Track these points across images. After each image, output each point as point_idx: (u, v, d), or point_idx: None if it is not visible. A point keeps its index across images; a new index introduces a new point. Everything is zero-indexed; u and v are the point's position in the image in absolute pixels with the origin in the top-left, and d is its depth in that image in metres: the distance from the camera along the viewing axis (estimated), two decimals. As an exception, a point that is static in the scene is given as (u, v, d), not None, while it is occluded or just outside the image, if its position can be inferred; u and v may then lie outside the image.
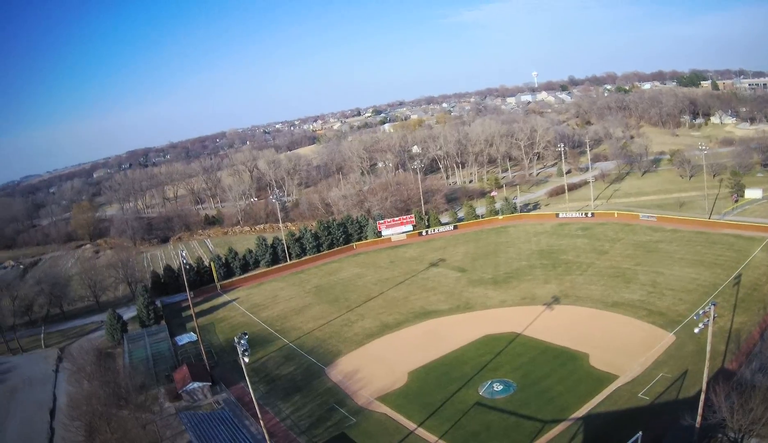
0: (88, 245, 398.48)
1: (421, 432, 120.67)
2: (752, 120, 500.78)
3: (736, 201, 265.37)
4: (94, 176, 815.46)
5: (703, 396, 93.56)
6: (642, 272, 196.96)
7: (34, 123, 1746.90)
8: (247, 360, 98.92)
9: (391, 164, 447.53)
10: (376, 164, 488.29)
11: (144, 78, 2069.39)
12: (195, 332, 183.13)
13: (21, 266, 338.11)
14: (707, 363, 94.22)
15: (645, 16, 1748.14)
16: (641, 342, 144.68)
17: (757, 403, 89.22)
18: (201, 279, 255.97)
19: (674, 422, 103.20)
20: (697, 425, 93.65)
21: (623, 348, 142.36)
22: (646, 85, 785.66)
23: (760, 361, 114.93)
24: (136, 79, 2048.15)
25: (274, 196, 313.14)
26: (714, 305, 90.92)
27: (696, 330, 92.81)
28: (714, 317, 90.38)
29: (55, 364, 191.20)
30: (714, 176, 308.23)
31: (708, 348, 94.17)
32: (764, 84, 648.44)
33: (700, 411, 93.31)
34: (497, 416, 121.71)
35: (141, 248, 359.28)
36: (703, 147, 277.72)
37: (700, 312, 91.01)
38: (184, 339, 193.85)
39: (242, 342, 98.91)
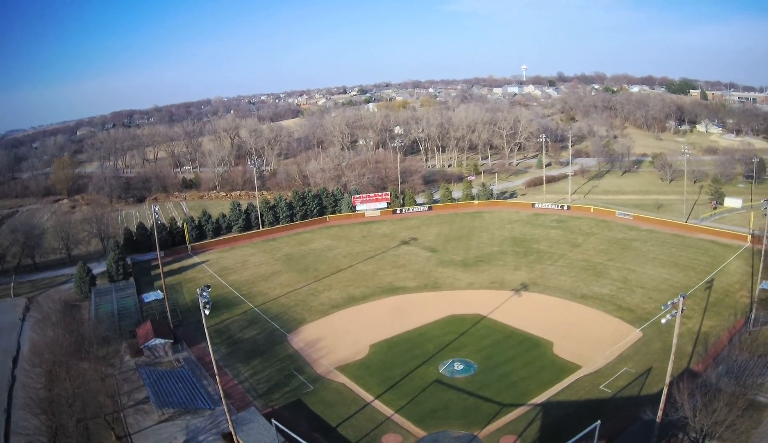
0: (65, 200, 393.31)
1: (378, 404, 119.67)
2: (738, 132, 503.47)
3: (715, 208, 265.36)
4: (78, 133, 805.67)
5: (665, 391, 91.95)
6: (614, 267, 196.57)
7: (21, 80, 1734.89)
8: (207, 312, 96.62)
9: (371, 142, 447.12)
10: (357, 141, 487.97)
11: (133, 41, 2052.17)
12: (162, 290, 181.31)
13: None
14: (672, 356, 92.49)
15: (642, 21, 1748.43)
16: (607, 336, 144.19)
17: (721, 405, 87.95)
18: (173, 240, 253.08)
19: (635, 417, 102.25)
20: (658, 420, 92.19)
21: (588, 340, 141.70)
22: (635, 88, 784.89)
23: (726, 365, 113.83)
24: (125, 41, 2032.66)
25: (253, 162, 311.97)
26: (684, 297, 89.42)
27: (663, 321, 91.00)
28: (683, 310, 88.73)
29: (22, 313, 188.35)
30: (695, 182, 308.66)
31: (674, 341, 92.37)
32: (754, 99, 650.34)
33: (661, 405, 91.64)
34: (456, 395, 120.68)
35: (117, 206, 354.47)
36: (686, 151, 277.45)
37: (669, 304, 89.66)
38: (150, 296, 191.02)
39: (204, 294, 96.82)
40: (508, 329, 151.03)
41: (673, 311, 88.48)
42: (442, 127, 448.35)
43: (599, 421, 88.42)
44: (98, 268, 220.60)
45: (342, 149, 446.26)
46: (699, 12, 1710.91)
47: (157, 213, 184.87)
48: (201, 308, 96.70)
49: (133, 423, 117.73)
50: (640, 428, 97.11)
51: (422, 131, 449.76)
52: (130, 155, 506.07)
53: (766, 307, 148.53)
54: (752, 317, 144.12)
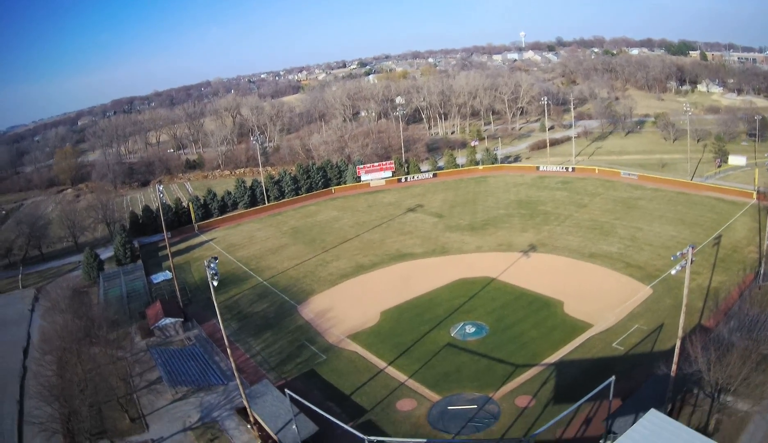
0: (69, 190, 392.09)
1: (391, 370, 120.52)
2: (739, 91, 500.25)
3: (719, 166, 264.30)
4: (79, 123, 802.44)
5: (678, 343, 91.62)
6: (621, 226, 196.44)
7: (20, 75, 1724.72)
8: (216, 283, 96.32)
9: (373, 113, 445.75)
10: (358, 113, 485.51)
11: (130, 29, 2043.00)
12: (170, 270, 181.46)
13: (2, 212, 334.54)
14: (683, 308, 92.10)
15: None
16: (617, 293, 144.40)
17: (734, 359, 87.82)
18: (179, 220, 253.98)
19: (649, 373, 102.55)
20: (672, 374, 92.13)
21: (599, 298, 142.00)
22: (634, 51, 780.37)
23: (738, 320, 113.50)
24: (122, 30, 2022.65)
25: (256, 138, 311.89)
26: (692, 247, 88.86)
27: (673, 272, 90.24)
28: (692, 261, 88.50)
29: (31, 304, 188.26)
30: (698, 140, 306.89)
31: (685, 292, 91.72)
32: (753, 59, 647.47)
33: (675, 359, 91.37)
34: (468, 358, 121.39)
35: (121, 191, 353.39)
36: (688, 109, 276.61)
37: (678, 254, 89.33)
38: (159, 277, 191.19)
39: (212, 266, 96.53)
40: (518, 291, 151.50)
41: (683, 262, 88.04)
42: (443, 94, 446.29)
43: (614, 377, 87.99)
44: (106, 253, 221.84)
45: (344, 121, 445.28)
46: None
47: (161, 193, 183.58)
48: (209, 280, 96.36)
49: (146, 403, 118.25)
50: (655, 383, 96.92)
51: (423, 99, 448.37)
52: (132, 140, 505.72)
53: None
54: (761, 272, 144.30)
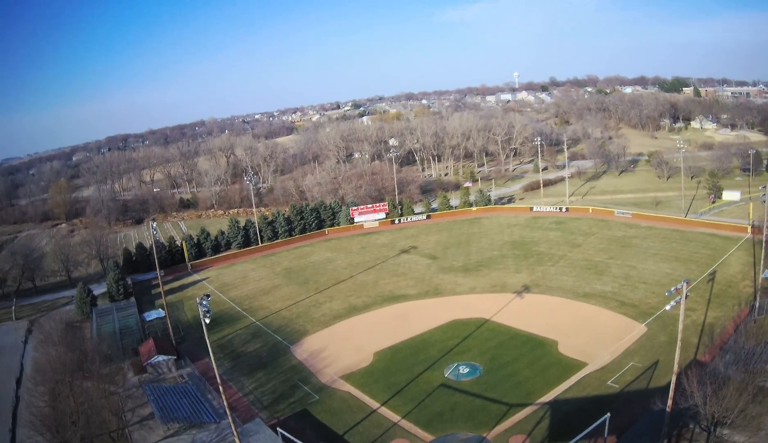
0: (63, 224, 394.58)
1: (385, 411, 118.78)
2: (733, 126, 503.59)
3: (714, 202, 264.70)
4: (74, 159, 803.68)
5: (674, 379, 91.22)
6: (615, 265, 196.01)
7: (15, 107, 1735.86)
8: (208, 321, 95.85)
9: (367, 155, 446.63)
10: (352, 154, 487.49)
11: (126, 67, 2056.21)
12: (163, 308, 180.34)
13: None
14: (678, 343, 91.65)
15: (631, 20, 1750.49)
16: (612, 332, 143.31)
17: (731, 392, 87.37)
18: (172, 258, 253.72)
19: (644, 409, 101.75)
20: (668, 409, 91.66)
21: (593, 337, 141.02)
22: (628, 89, 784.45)
23: (734, 354, 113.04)
24: (118, 68, 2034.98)
25: (249, 178, 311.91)
26: (687, 282, 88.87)
27: (668, 307, 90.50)
28: (687, 296, 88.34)
29: (24, 335, 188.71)
30: (692, 177, 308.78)
31: (680, 326, 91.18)
32: (747, 93, 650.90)
33: (671, 394, 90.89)
34: (462, 398, 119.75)
35: (115, 228, 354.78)
36: (682, 146, 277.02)
37: (672, 289, 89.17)
38: (152, 314, 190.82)
39: (204, 303, 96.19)
40: (512, 331, 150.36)
41: (677, 298, 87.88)
42: (436, 136, 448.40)
43: (608, 414, 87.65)
44: (99, 289, 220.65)
45: (338, 162, 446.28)
46: (687, 9, 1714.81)
47: (155, 230, 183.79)
48: (201, 317, 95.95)
49: (138, 439, 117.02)
50: (651, 419, 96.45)
51: (417, 141, 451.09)
52: (126, 177, 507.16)
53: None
54: (757, 305, 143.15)
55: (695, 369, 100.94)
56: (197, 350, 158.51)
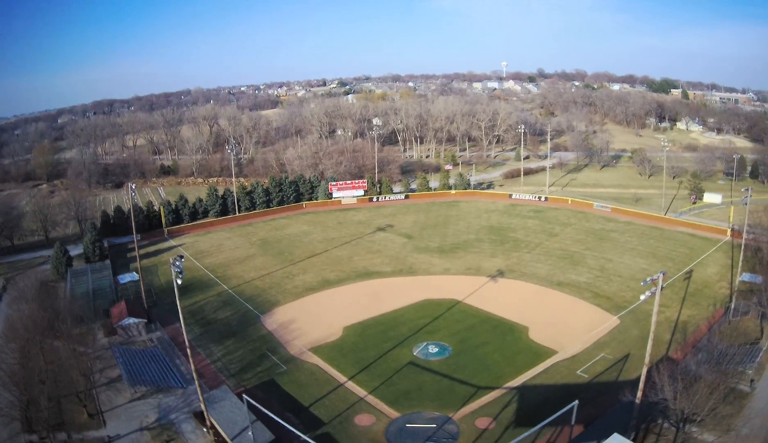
0: (44, 185, 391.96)
1: (351, 385, 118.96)
2: (719, 131, 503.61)
3: (695, 202, 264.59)
4: (59, 121, 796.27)
5: (645, 370, 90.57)
6: (591, 257, 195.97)
7: (2, 70, 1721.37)
8: (180, 282, 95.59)
9: (350, 132, 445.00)
10: (335, 131, 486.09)
11: (115, 32, 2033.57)
12: (138, 272, 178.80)
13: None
14: (651, 334, 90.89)
15: (624, 23, 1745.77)
16: (584, 322, 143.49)
17: (701, 389, 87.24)
18: (150, 223, 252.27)
19: (613, 401, 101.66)
20: (637, 401, 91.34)
21: (565, 326, 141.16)
22: (615, 86, 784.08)
23: (706, 353, 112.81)
24: (107, 32, 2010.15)
25: (231, 148, 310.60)
26: (663, 273, 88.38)
27: (642, 297, 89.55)
28: (662, 288, 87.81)
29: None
30: (674, 177, 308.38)
31: (654, 319, 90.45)
32: (736, 99, 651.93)
33: (641, 386, 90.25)
34: (430, 377, 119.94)
35: (95, 191, 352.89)
36: (666, 145, 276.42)
37: (648, 279, 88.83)
38: (126, 277, 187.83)
39: (177, 264, 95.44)
40: (483, 314, 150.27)
41: (653, 289, 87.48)
42: (420, 118, 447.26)
43: (576, 401, 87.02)
44: (75, 251, 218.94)
45: (320, 137, 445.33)
46: (681, 18, 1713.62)
47: (134, 192, 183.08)
48: (174, 278, 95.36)
49: (105, 400, 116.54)
50: (619, 411, 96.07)
51: (401, 121, 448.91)
52: (109, 142, 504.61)
53: (746, 298, 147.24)
54: (732, 307, 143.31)
55: (666, 365, 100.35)
56: (168, 315, 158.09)
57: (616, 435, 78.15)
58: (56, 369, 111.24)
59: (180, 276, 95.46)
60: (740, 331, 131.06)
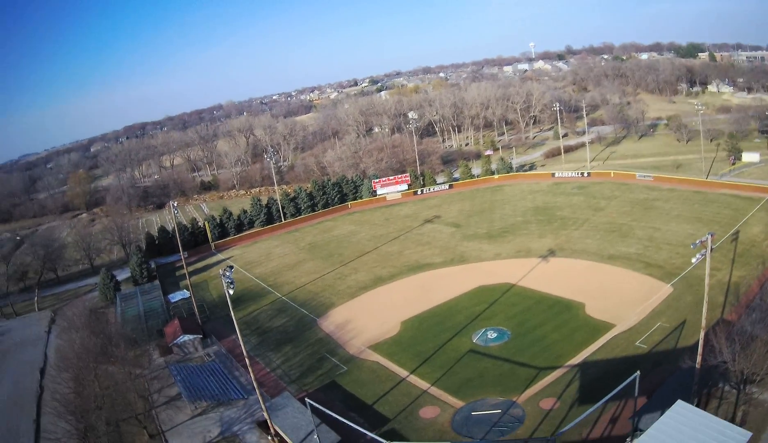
0: (84, 215, 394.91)
1: (414, 379, 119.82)
2: (749, 90, 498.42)
3: (734, 163, 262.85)
4: (92, 150, 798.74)
5: (702, 334, 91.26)
6: (638, 227, 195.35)
7: (31, 103, 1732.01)
8: (231, 292, 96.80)
9: (387, 128, 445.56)
10: (372, 129, 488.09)
11: (141, 55, 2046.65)
12: (188, 289, 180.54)
13: (17, 237, 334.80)
14: (705, 298, 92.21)
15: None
16: (638, 293, 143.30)
17: (758, 348, 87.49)
18: (195, 240, 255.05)
19: (673, 368, 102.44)
20: (697, 366, 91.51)
21: (620, 299, 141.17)
22: (644, 56, 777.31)
23: (760, 312, 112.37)
24: (131, 52, 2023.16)
25: (270, 156, 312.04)
26: (712, 234, 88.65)
27: (693, 260, 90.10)
28: (711, 249, 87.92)
29: (47, 326, 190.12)
30: (711, 140, 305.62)
31: (706, 281, 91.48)
32: (762, 57, 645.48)
33: (699, 350, 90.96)
34: (491, 363, 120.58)
35: (136, 214, 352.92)
36: (700, 109, 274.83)
37: (698, 242, 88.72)
38: (177, 296, 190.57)
39: (227, 274, 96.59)
40: (538, 295, 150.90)
41: (703, 251, 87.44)
42: (455, 107, 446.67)
43: (638, 372, 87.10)
44: (122, 274, 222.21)
45: (358, 137, 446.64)
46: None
47: (176, 209, 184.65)
48: (225, 289, 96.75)
49: (165, 419, 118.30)
50: (680, 378, 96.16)
51: (436, 113, 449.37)
52: (146, 164, 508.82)
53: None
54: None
55: (723, 327, 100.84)
56: (223, 328, 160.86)
57: (679, 401, 78.51)
58: (113, 393, 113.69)
59: (231, 286, 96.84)
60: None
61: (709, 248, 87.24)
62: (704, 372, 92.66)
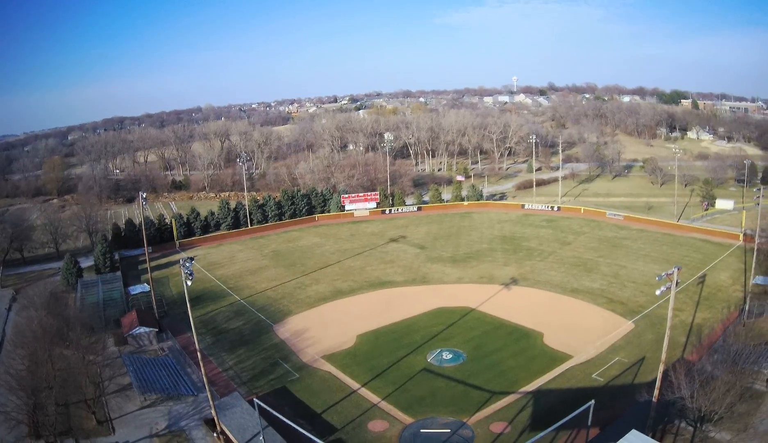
0: (55, 200, 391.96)
1: (365, 392, 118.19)
2: (729, 139, 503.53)
3: (707, 209, 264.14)
4: (69, 138, 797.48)
5: (661, 367, 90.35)
6: (604, 264, 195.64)
7: (13, 86, 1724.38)
8: (190, 283, 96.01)
9: (361, 147, 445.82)
10: (347, 145, 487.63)
11: (125, 50, 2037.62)
12: (149, 283, 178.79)
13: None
14: (668, 332, 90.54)
15: (634, 34, 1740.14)
16: (598, 327, 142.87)
17: (718, 386, 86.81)
18: (161, 236, 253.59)
19: (630, 403, 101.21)
20: (655, 399, 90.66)
21: (579, 331, 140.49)
22: (626, 99, 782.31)
23: (722, 354, 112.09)
24: (117, 50, 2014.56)
25: (242, 161, 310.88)
26: (678, 268, 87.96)
27: (657, 292, 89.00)
28: (677, 282, 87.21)
29: (8, 303, 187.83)
30: (686, 185, 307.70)
31: (669, 314, 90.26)
32: (745, 108, 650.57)
33: (657, 384, 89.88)
34: (444, 383, 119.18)
35: (106, 205, 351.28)
36: (678, 151, 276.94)
37: (664, 274, 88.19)
38: (137, 289, 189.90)
39: (187, 265, 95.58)
40: (498, 321, 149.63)
41: (668, 283, 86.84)
42: (432, 131, 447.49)
43: (593, 401, 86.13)
44: (86, 263, 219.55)
45: (332, 151, 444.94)
46: (690, 26, 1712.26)
47: (145, 201, 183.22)
48: (184, 280, 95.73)
49: (115, 407, 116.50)
50: (636, 412, 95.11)
51: (412, 135, 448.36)
52: (120, 158, 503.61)
53: (760, 300, 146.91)
54: (746, 308, 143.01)
55: (683, 366, 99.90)
56: (180, 325, 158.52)
57: (634, 430, 77.44)
58: (65, 375, 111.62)
59: (190, 278, 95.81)
60: (755, 332, 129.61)
61: (674, 282, 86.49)
62: (661, 407, 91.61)
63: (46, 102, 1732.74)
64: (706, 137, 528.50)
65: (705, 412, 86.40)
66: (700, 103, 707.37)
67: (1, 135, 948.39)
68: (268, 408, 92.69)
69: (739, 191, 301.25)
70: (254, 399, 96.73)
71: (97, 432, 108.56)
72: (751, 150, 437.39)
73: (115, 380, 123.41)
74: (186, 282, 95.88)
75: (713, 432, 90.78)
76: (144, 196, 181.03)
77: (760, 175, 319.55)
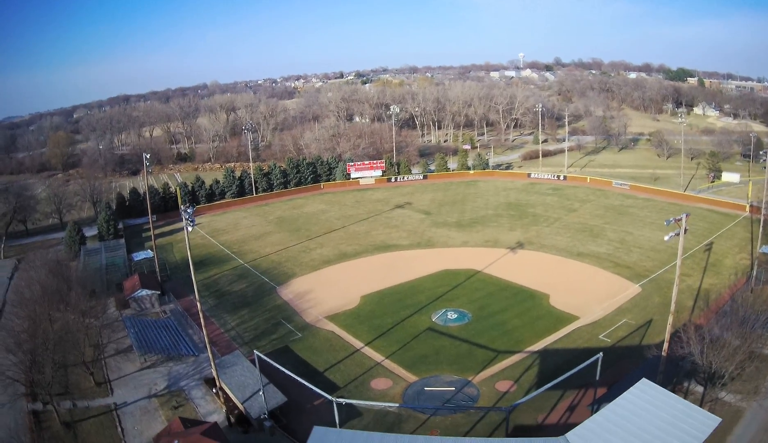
0: (59, 175, 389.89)
1: (368, 350, 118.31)
2: (735, 116, 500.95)
3: (713, 181, 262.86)
4: (74, 116, 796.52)
5: (670, 319, 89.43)
6: (611, 230, 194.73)
7: (19, 66, 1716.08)
8: (191, 229, 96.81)
9: (367, 117, 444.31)
10: (353, 117, 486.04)
11: (131, 29, 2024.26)
12: (152, 249, 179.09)
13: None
14: (676, 281, 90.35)
15: (640, 14, 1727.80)
16: (605, 289, 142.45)
17: (728, 342, 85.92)
18: (165, 205, 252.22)
19: (637, 362, 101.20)
20: (664, 354, 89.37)
21: (586, 293, 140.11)
22: (632, 75, 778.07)
23: (729, 319, 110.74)
24: (124, 29, 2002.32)
25: (247, 129, 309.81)
26: (687, 215, 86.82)
27: (666, 238, 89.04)
28: (686, 230, 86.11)
29: (11, 272, 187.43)
30: (692, 158, 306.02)
31: (678, 262, 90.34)
32: (751, 88, 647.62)
33: (667, 337, 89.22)
34: (449, 342, 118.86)
35: (111, 178, 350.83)
36: (684, 121, 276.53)
37: (672, 220, 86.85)
38: (140, 255, 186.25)
39: (188, 211, 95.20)
40: (503, 283, 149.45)
41: (677, 229, 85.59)
42: (438, 102, 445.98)
43: (601, 353, 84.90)
44: (90, 232, 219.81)
45: (338, 121, 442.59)
46: (696, 7, 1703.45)
47: (149, 169, 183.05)
48: (185, 226, 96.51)
49: (114, 369, 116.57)
50: (645, 370, 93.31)
51: (418, 107, 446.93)
52: (126, 133, 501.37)
53: (767, 269, 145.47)
54: (753, 275, 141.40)
55: (692, 326, 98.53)
56: (182, 288, 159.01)
57: (644, 379, 75.58)
58: (63, 336, 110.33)
59: (191, 224, 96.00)
60: (762, 299, 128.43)
61: (683, 228, 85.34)
62: (671, 365, 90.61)
63: (51, 81, 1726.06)
64: (712, 113, 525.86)
65: (715, 369, 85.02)
66: (706, 81, 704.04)
67: (7, 116, 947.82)
68: (268, 360, 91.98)
69: (745, 165, 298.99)
70: (255, 353, 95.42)
71: (94, 393, 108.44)
72: (757, 127, 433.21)
73: (115, 342, 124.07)
74: (187, 228, 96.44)
75: (723, 395, 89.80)
76: (148, 159, 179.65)
77: (766, 150, 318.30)
